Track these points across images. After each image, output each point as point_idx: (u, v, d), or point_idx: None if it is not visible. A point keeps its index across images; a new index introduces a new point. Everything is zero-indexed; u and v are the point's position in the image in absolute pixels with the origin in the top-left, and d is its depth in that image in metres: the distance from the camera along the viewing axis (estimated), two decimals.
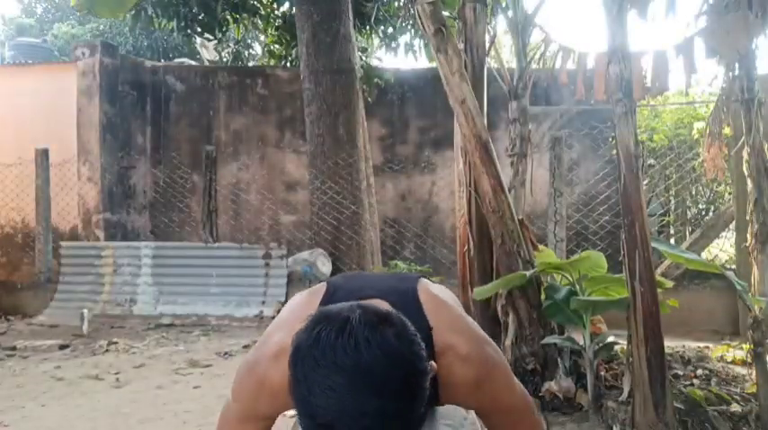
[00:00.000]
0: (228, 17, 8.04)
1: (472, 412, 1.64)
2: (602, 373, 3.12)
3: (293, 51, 8.25)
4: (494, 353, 1.18)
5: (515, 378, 1.24)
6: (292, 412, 3.25)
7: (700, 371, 3.44)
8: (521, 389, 1.23)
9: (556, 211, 5.02)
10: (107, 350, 4.62)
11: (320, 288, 1.24)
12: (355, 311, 0.86)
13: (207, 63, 10.45)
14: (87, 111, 7.22)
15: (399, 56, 12.10)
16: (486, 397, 1.16)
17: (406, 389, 0.83)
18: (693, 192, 6.63)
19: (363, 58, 7.53)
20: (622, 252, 2.44)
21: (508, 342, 3.13)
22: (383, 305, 1.09)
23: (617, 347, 3.09)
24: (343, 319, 0.85)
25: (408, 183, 7.85)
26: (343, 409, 0.80)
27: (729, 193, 5.91)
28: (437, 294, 1.24)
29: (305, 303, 1.20)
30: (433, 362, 0.90)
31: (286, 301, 4.08)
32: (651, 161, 6.39)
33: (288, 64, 8.70)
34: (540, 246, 3.41)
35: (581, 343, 2.89)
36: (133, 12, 7.30)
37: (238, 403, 1.18)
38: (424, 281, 1.28)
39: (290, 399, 1.13)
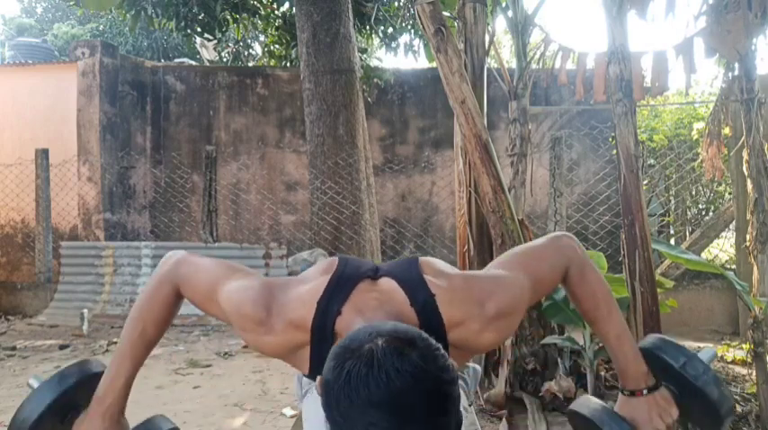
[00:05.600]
0: (228, 17, 8.04)
1: (472, 412, 1.64)
2: (602, 373, 3.12)
3: (293, 51, 8.25)
4: (494, 298, 1.16)
5: (509, 272, 1.22)
6: (292, 412, 3.24)
7: None
8: (521, 272, 1.21)
9: (556, 211, 5.01)
10: (107, 350, 4.62)
11: (332, 262, 1.24)
12: (377, 341, 0.88)
13: (207, 63, 10.45)
14: (87, 111, 7.22)
15: (399, 56, 12.14)
16: (513, 324, 1.20)
17: (441, 406, 0.87)
18: (693, 192, 6.63)
19: (363, 58, 7.53)
20: (622, 252, 2.44)
21: (508, 342, 3.13)
22: (401, 308, 1.11)
23: None
24: (367, 352, 0.87)
25: (408, 183, 7.85)
26: None
27: (729, 193, 5.91)
28: (437, 263, 1.26)
29: (318, 283, 1.19)
30: (453, 362, 0.92)
31: None
32: (651, 161, 6.39)
33: (288, 64, 8.70)
34: None
35: (581, 343, 2.89)
36: (133, 11, 7.31)
37: (229, 309, 1.18)
38: (423, 257, 1.31)
39: (278, 350, 1.17)
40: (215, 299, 1.21)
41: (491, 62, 3.92)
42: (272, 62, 9.20)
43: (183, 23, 7.55)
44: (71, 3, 7.89)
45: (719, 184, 6.24)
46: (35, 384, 1.23)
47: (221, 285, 1.21)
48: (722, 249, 6.44)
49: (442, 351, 0.91)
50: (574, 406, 1.28)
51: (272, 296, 1.17)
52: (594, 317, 1.28)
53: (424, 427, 0.84)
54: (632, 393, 1.22)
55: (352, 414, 0.84)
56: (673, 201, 6.65)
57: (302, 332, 1.12)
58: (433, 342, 0.91)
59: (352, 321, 1.09)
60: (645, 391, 1.21)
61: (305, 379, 1.44)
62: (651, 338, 1.30)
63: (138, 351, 1.28)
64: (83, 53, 7.26)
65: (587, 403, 1.26)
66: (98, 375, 1.29)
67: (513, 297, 1.18)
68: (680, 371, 1.19)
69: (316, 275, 1.23)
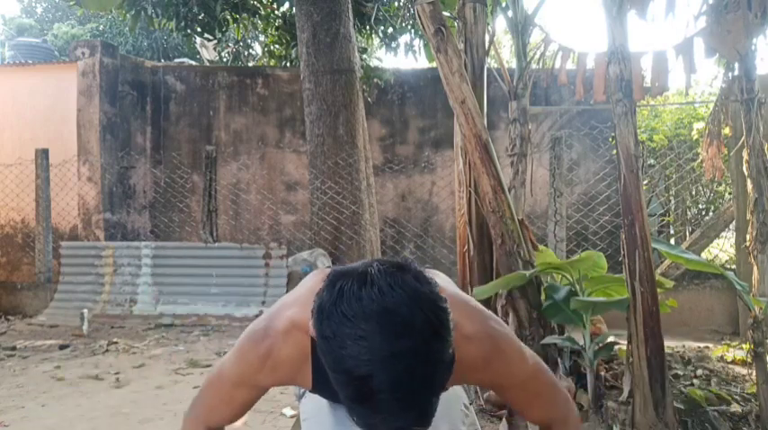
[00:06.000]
0: (228, 17, 8.04)
1: (472, 412, 1.64)
2: (602, 373, 3.12)
3: (293, 51, 8.25)
4: (498, 327, 1.16)
5: (525, 347, 1.21)
6: (292, 412, 3.24)
7: (700, 371, 3.44)
8: (532, 359, 1.20)
9: (556, 211, 5.01)
10: (107, 350, 4.62)
11: (327, 269, 1.25)
12: (372, 264, 0.89)
13: (207, 63, 10.45)
14: (87, 111, 7.22)
15: (399, 56, 12.14)
16: (498, 372, 1.15)
17: (434, 327, 0.84)
18: (693, 192, 6.63)
19: (363, 58, 7.53)
20: (622, 252, 2.44)
21: None
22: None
23: (617, 347, 3.09)
24: (361, 272, 0.87)
25: (408, 183, 7.85)
26: (376, 356, 0.81)
27: (729, 193, 5.91)
28: (437, 275, 1.27)
29: (314, 282, 1.20)
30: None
31: None
32: (651, 161, 6.39)
33: (288, 64, 8.70)
34: (540, 246, 3.41)
35: (581, 343, 2.88)
36: (133, 11, 7.31)
37: (237, 369, 1.19)
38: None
39: (291, 373, 1.15)
40: (232, 386, 1.21)
41: (491, 62, 3.92)
42: (272, 62, 9.20)
43: (183, 23, 7.55)
44: (71, 3, 7.90)
45: (719, 184, 6.24)
46: None
47: (222, 376, 1.23)
48: (722, 249, 6.43)
49: (437, 283, 0.90)
50: None
51: (264, 316, 1.19)
52: None
53: (417, 345, 0.81)
54: None
55: (342, 328, 0.83)
56: (673, 201, 6.65)
57: (303, 333, 1.10)
58: (428, 274, 0.91)
59: None
60: None
61: None
62: None
63: None
64: (83, 53, 7.26)
65: None
66: None
67: (515, 351, 1.16)
68: None
69: (309, 280, 1.24)
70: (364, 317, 0.82)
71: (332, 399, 1.26)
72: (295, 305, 1.15)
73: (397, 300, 0.82)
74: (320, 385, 1.14)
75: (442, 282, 1.19)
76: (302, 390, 1.42)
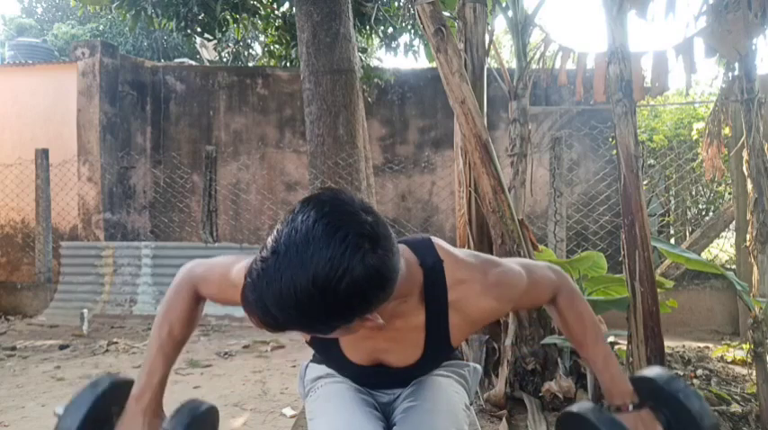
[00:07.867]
0: (228, 17, 8.04)
1: (472, 412, 1.64)
2: None
3: (293, 51, 8.25)
4: (500, 271, 1.20)
5: (512, 263, 1.25)
6: (292, 412, 3.23)
7: (700, 371, 3.44)
8: (523, 268, 1.24)
9: (556, 211, 5.01)
10: (107, 350, 4.62)
11: None
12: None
13: (207, 63, 10.45)
14: (87, 111, 7.22)
15: (399, 56, 12.13)
16: (502, 298, 1.20)
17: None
18: (693, 192, 6.63)
19: (363, 58, 7.52)
20: (622, 252, 2.44)
21: (508, 342, 3.13)
22: (409, 267, 1.13)
23: (617, 347, 3.09)
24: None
25: (408, 183, 7.85)
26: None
27: (729, 193, 5.91)
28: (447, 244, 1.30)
29: None
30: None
31: None
32: (651, 161, 6.39)
33: (288, 64, 8.70)
34: (540, 246, 3.41)
35: None
36: (133, 11, 7.31)
37: (240, 279, 1.21)
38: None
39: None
40: (229, 282, 1.25)
41: (491, 62, 3.92)
42: (272, 62, 9.19)
43: (183, 23, 7.55)
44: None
45: (719, 184, 6.24)
46: (61, 411, 1.18)
47: (233, 267, 1.26)
48: (722, 249, 6.44)
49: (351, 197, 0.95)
50: (568, 408, 1.29)
51: None
52: (583, 341, 1.30)
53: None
54: (618, 409, 1.24)
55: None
56: (673, 201, 6.65)
57: None
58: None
59: None
60: (630, 407, 1.23)
61: (307, 378, 1.44)
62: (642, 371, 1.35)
63: (169, 348, 1.35)
64: (83, 53, 7.26)
65: (582, 404, 1.27)
66: (128, 382, 1.31)
67: (515, 276, 1.22)
68: (663, 387, 1.22)
69: None
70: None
71: (323, 353, 1.34)
72: None
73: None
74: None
75: (450, 250, 1.21)
76: (307, 389, 1.43)
